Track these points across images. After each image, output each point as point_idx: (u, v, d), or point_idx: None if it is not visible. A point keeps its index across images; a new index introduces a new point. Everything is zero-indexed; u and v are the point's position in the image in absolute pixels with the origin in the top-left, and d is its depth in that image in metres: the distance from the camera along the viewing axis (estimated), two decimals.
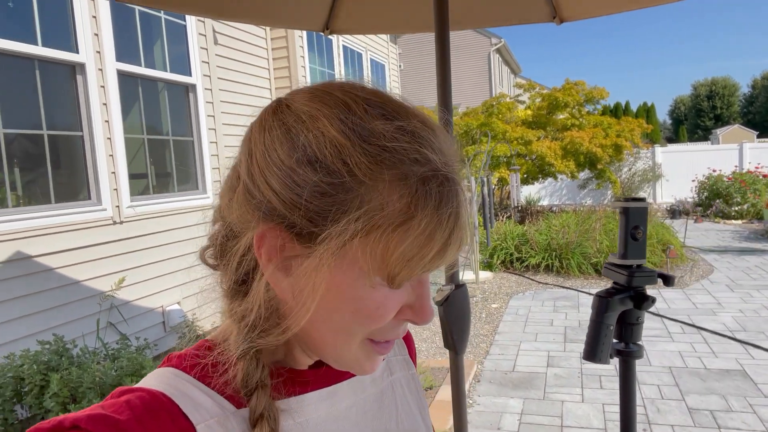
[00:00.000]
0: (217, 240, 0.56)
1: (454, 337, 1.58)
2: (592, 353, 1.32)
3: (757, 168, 13.89)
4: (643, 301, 1.31)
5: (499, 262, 8.06)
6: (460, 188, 0.50)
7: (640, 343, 1.36)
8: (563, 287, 6.93)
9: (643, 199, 1.34)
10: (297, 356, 0.58)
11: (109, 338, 3.75)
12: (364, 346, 0.53)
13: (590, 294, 6.50)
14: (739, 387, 3.78)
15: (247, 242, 0.51)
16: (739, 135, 28.13)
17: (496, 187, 12.28)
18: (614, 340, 1.36)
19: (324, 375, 0.60)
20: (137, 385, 0.51)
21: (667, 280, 1.31)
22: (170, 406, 0.48)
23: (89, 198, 3.86)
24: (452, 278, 1.63)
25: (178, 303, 4.51)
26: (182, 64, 4.79)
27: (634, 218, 1.31)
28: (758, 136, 32.10)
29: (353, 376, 0.62)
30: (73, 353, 3.15)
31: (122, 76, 4.13)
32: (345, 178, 0.46)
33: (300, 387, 0.57)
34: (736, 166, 14.95)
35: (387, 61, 10.11)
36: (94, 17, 3.86)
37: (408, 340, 0.76)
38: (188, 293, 4.62)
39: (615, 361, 4.26)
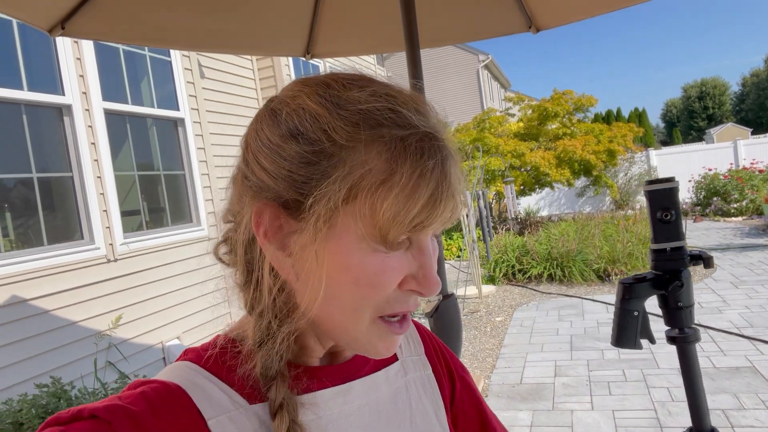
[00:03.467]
0: (228, 236, 0.58)
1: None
2: (619, 340, 1.32)
3: (752, 164, 13.91)
4: (667, 285, 1.28)
5: (501, 274, 8.02)
6: (443, 144, 0.50)
7: (694, 326, 1.32)
8: (567, 295, 6.88)
9: (670, 180, 1.30)
10: (310, 348, 0.57)
11: (108, 377, 3.71)
12: (375, 325, 0.52)
13: (594, 300, 6.45)
14: (750, 384, 3.72)
15: (248, 226, 0.53)
16: (733, 133, 28.25)
17: (494, 200, 12.28)
18: (666, 327, 1.34)
19: (337, 372, 0.59)
20: (154, 378, 0.52)
21: (705, 262, 1.27)
22: (185, 399, 0.49)
23: (82, 238, 3.85)
24: (441, 288, 1.62)
25: (178, 338, 4.47)
26: (169, 99, 4.83)
27: (657, 201, 1.29)
28: (752, 133, 32.22)
29: (367, 374, 0.61)
30: (71, 395, 3.11)
31: (109, 114, 4.17)
32: (325, 144, 0.48)
33: (313, 384, 0.56)
34: (731, 164, 14.97)
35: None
36: (79, 59, 3.91)
37: (424, 338, 0.74)
38: (188, 327, 4.58)
39: (623, 366, 4.18)
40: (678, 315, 1.29)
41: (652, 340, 1.32)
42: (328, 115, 0.49)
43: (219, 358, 0.54)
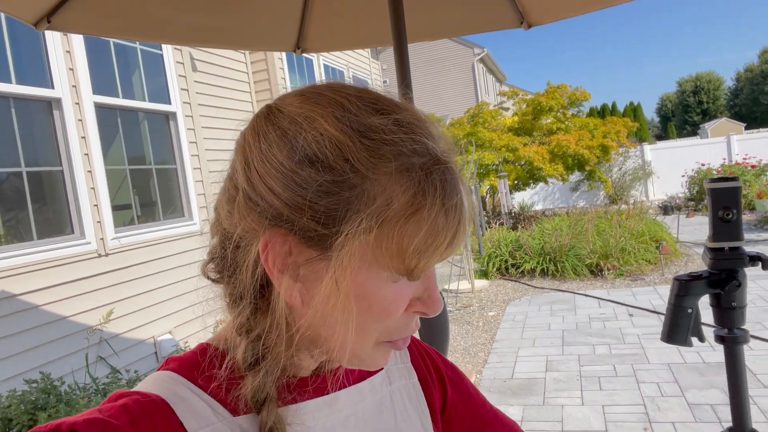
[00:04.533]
0: (216, 253, 0.56)
1: (433, 347, 1.56)
2: (669, 336, 1.32)
3: (745, 159, 13.96)
4: (724, 284, 1.28)
5: (494, 269, 8.04)
6: (460, 177, 0.51)
7: (744, 327, 1.32)
8: (559, 290, 6.90)
9: (733, 179, 1.30)
10: (301, 361, 0.56)
11: (99, 372, 3.70)
12: (380, 345, 0.53)
13: (586, 296, 6.48)
14: None
15: (252, 251, 0.50)
16: (727, 128, 28.33)
17: (488, 195, 12.29)
18: (716, 326, 1.34)
19: (323, 382, 0.59)
20: (135, 389, 0.50)
21: (764, 263, 1.26)
22: (167, 411, 0.48)
23: (72, 232, 3.83)
24: None
25: (170, 332, 4.46)
26: (161, 93, 4.80)
27: (719, 199, 1.29)
28: (746, 128, 32.33)
29: (352, 384, 0.61)
30: (61, 390, 3.10)
31: (100, 108, 4.13)
32: (348, 174, 0.46)
33: (299, 394, 0.56)
34: (724, 159, 15.03)
35: (369, 77, 10.17)
36: (68, 52, 3.87)
37: (410, 346, 0.74)
38: (180, 321, 4.57)
39: (613, 361, 4.20)
40: (730, 315, 1.29)
41: (701, 339, 1.31)
42: (350, 143, 0.46)
43: (202, 369, 0.53)
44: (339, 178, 0.46)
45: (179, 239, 4.71)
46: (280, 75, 6.56)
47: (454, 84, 23.63)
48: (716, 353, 4.23)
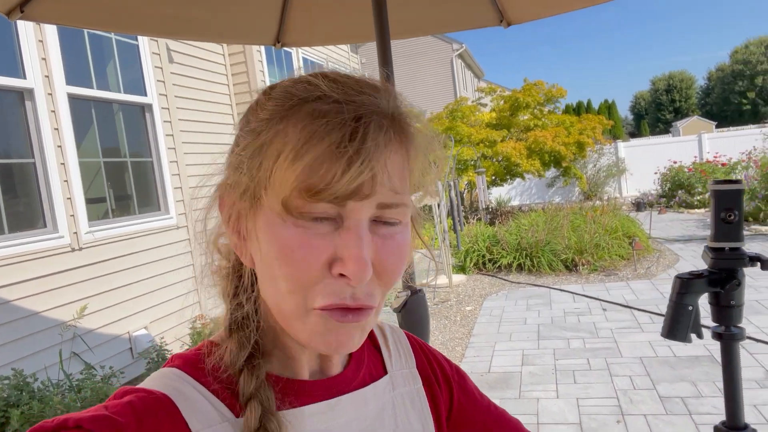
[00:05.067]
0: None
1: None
2: (670, 332, 1.36)
3: (715, 157, 14.29)
4: (725, 283, 1.32)
5: (471, 264, 8.11)
6: (358, 108, 0.48)
7: (741, 325, 1.36)
8: (535, 285, 7.00)
9: (736, 182, 1.33)
10: (297, 359, 0.57)
11: (73, 368, 3.64)
12: (315, 315, 0.49)
13: (561, 290, 6.58)
14: (708, 373, 3.85)
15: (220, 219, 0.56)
16: (698, 126, 28.97)
17: (466, 190, 12.37)
18: (714, 324, 1.38)
19: (326, 386, 0.58)
20: (140, 386, 0.51)
21: (763, 263, 1.30)
22: (171, 408, 0.49)
23: (45, 226, 3.75)
24: (409, 285, 1.63)
25: (146, 328, 4.41)
26: (137, 85, 4.71)
27: (722, 201, 1.32)
28: (716, 126, 33.09)
29: (355, 389, 0.60)
30: (34, 387, 3.05)
31: (73, 99, 4.05)
32: (252, 123, 0.52)
33: (299, 398, 0.55)
34: (695, 157, 15.37)
35: (348, 70, 10.13)
36: (41, 41, 3.78)
37: (416, 350, 0.73)
38: (156, 317, 4.52)
39: (587, 355, 4.27)
40: (728, 313, 1.34)
41: (699, 335, 1.36)
42: (265, 100, 0.52)
43: (205, 367, 0.53)
44: (249, 128, 0.52)
45: (155, 233, 4.65)
46: (259, 68, 6.50)
47: (432, 79, 23.68)
48: (687, 347, 4.34)
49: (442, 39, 23.35)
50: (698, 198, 12.84)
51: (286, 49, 7.33)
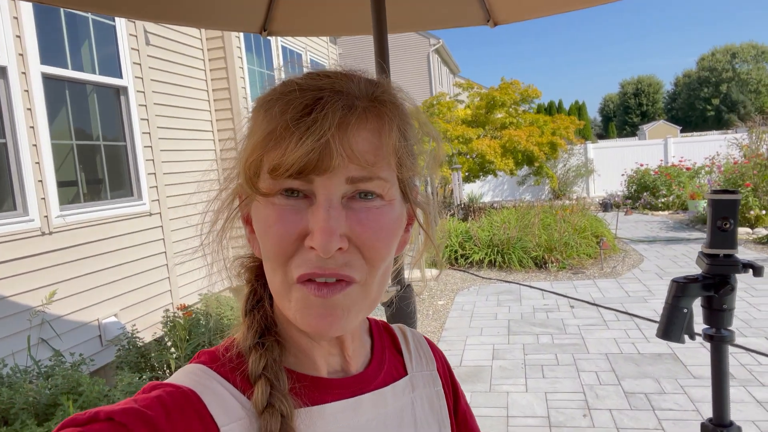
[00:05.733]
0: None
1: None
2: (666, 333, 1.41)
3: (680, 161, 14.72)
4: (720, 287, 1.38)
5: (444, 259, 8.19)
6: (313, 91, 0.50)
7: (731, 328, 1.42)
8: (506, 281, 7.12)
9: (733, 192, 1.39)
10: (309, 354, 0.58)
11: (41, 355, 3.56)
12: (297, 288, 0.51)
13: (531, 287, 6.71)
14: (671, 370, 4.00)
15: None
16: (664, 130, 29.71)
17: (439, 185, 12.44)
18: (705, 326, 1.44)
19: (348, 385, 0.59)
20: (167, 381, 0.52)
21: (755, 270, 1.37)
22: (198, 404, 0.50)
23: (14, 208, 3.65)
24: (398, 279, 1.65)
25: (116, 315, 4.33)
26: (112, 66, 4.60)
27: (719, 210, 1.38)
28: (681, 131, 34.00)
29: (377, 388, 0.61)
30: (2, 373, 2.98)
31: (48, 79, 3.93)
32: (245, 121, 0.56)
33: (321, 395, 0.56)
34: (661, 160, 15.79)
35: (327, 61, 10.07)
36: (16, 18, 3.65)
37: (436, 354, 0.75)
38: (126, 304, 4.45)
39: (555, 350, 4.36)
40: (720, 316, 1.41)
41: (692, 336, 1.42)
42: (258, 97, 0.56)
43: (231, 362, 0.55)
44: (250, 125, 0.55)
45: (127, 219, 4.56)
46: (237, 54, 6.40)
47: (408, 73, 23.68)
48: (651, 345, 4.49)
49: (420, 33, 23.35)
50: (662, 200, 13.22)
51: (265, 39, 7.24)
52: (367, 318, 0.69)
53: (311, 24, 3.05)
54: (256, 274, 0.60)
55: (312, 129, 0.48)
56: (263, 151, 0.50)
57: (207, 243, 0.59)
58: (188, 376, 0.53)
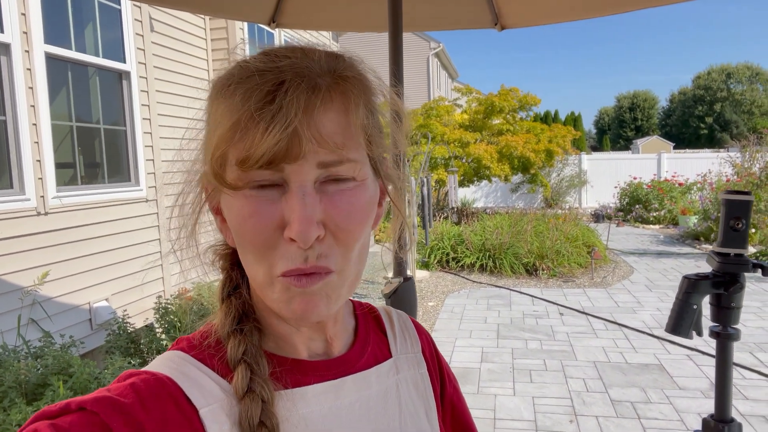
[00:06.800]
0: None
1: None
2: (675, 328, 1.44)
3: (673, 176, 14.86)
4: (730, 286, 1.41)
5: (435, 261, 8.22)
6: (274, 74, 0.49)
7: (737, 326, 1.45)
8: (496, 286, 7.16)
9: (747, 193, 1.42)
10: (288, 337, 0.57)
11: (31, 335, 3.54)
12: (279, 282, 0.50)
13: (521, 293, 6.75)
14: (657, 380, 4.04)
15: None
16: (657, 146, 29.96)
17: (434, 188, 12.49)
18: (712, 324, 1.47)
19: (330, 367, 0.58)
20: (144, 369, 0.52)
21: (764, 270, 1.40)
22: (174, 390, 0.49)
23: (11, 187, 3.63)
24: (400, 271, 1.67)
25: (107, 299, 4.31)
26: (116, 50, 4.58)
27: (732, 210, 1.41)
28: (674, 147, 34.31)
29: (360, 370, 0.61)
30: None
31: (51, 59, 3.91)
32: (202, 113, 0.55)
33: (302, 377, 0.56)
34: (654, 175, 15.94)
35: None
36: None
37: (421, 336, 0.73)
38: (118, 289, 4.43)
39: (544, 356, 4.39)
40: (728, 314, 1.43)
41: (699, 333, 1.45)
42: (209, 87, 0.55)
43: (209, 348, 0.54)
44: (203, 119, 0.55)
45: (124, 204, 4.54)
46: (240, 46, 6.38)
47: (408, 76, 23.65)
48: (638, 355, 4.54)
49: (420, 36, 23.41)
50: (654, 214, 13.33)
51: (268, 30, 7.23)
52: (351, 300, 0.68)
53: (321, 18, 3.06)
54: (231, 261, 0.59)
55: (278, 117, 0.46)
56: (229, 144, 0.48)
57: (182, 237, 0.58)
58: (165, 363, 0.53)
